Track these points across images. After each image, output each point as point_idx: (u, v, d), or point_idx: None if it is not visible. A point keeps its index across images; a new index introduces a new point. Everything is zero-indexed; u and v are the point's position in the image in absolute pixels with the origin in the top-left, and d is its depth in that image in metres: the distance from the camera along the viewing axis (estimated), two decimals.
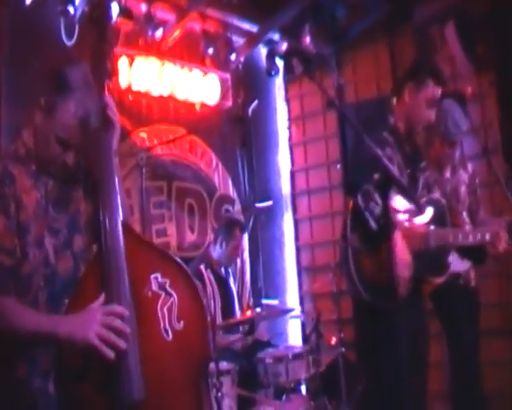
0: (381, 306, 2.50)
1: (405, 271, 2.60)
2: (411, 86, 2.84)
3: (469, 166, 3.55)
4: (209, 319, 1.68)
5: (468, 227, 3.25)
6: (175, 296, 1.64)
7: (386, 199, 2.23)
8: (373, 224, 2.53)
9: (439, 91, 2.87)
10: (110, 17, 1.81)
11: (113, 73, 1.88)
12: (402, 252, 2.60)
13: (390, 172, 2.14)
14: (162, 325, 1.62)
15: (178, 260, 1.70)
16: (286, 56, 5.28)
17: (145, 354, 1.60)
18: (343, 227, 2.72)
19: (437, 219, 2.81)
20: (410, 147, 2.89)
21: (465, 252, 3.00)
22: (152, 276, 1.64)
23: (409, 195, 2.54)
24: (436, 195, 3.04)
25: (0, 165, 1.74)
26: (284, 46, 5.19)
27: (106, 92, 1.74)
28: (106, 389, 1.58)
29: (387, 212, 2.27)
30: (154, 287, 1.64)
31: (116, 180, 1.72)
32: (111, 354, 1.54)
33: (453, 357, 3.44)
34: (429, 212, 2.77)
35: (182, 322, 1.63)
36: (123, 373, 1.57)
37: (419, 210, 2.67)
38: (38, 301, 1.71)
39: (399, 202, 2.63)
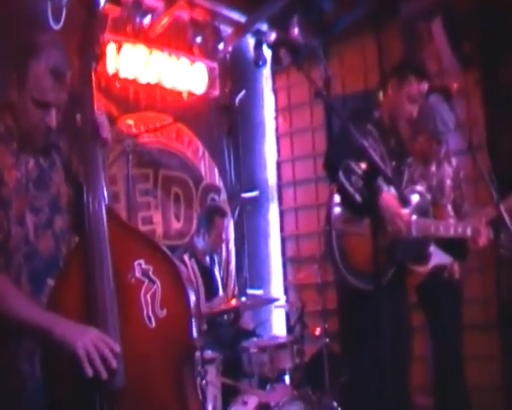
0: (364, 289, 2.51)
1: (398, 223, 2.63)
2: (394, 82, 2.90)
3: (453, 161, 3.60)
4: (193, 307, 1.68)
5: (450, 220, 3.29)
6: (158, 284, 1.63)
7: (372, 189, 2.24)
8: (358, 196, 2.52)
9: (422, 88, 2.90)
10: (98, 1, 1.79)
11: (101, 56, 1.87)
12: (392, 205, 2.63)
13: (375, 162, 2.15)
14: (145, 312, 1.62)
15: (163, 246, 1.69)
16: (274, 46, 5.27)
17: (127, 341, 1.60)
18: (327, 210, 2.73)
19: (420, 211, 2.85)
20: (395, 141, 2.92)
21: (447, 247, 3.02)
22: (135, 262, 1.63)
23: (393, 185, 2.56)
24: (420, 187, 3.07)
25: None
26: (273, 36, 5.17)
27: (95, 104, 1.74)
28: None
29: (374, 197, 2.26)
30: (138, 273, 1.63)
31: (101, 165, 1.72)
32: (90, 371, 1.53)
33: (436, 350, 3.48)
34: (414, 199, 2.80)
35: (165, 310, 1.62)
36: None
37: (403, 200, 2.68)
38: (20, 280, 1.71)
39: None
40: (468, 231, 2.99)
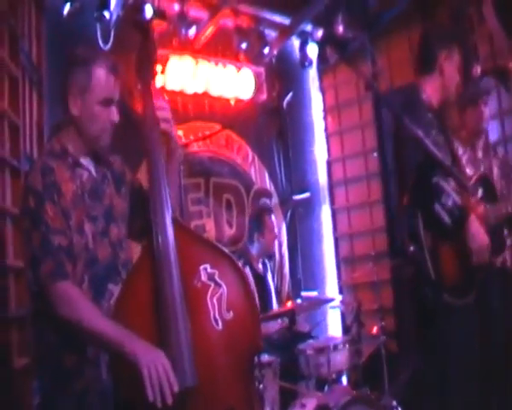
0: (458, 304, 2.36)
1: (485, 255, 2.45)
2: (445, 53, 2.57)
3: (499, 152, 3.52)
4: (258, 309, 1.71)
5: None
6: (224, 287, 1.69)
7: (430, 183, 2.16)
8: (447, 218, 2.30)
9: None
10: (150, 20, 1.90)
11: (157, 74, 1.99)
12: (480, 235, 2.41)
13: (433, 154, 2.07)
14: (212, 314, 1.67)
15: (227, 251, 1.75)
16: (320, 43, 5.23)
17: (196, 343, 1.65)
18: (410, 229, 2.41)
19: (488, 198, 2.71)
20: (446, 123, 2.70)
21: None
22: (201, 267, 1.70)
23: (455, 177, 2.36)
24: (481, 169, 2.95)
25: (40, 160, 1.86)
26: (319, 33, 5.14)
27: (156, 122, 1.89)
28: None
29: (432, 195, 2.14)
30: (204, 278, 1.69)
31: (164, 178, 1.80)
32: (151, 395, 1.57)
33: (488, 343, 3.34)
34: (479, 190, 2.69)
35: (231, 312, 1.68)
36: (177, 361, 1.62)
37: (469, 190, 2.49)
38: (82, 286, 1.78)
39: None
40: None
